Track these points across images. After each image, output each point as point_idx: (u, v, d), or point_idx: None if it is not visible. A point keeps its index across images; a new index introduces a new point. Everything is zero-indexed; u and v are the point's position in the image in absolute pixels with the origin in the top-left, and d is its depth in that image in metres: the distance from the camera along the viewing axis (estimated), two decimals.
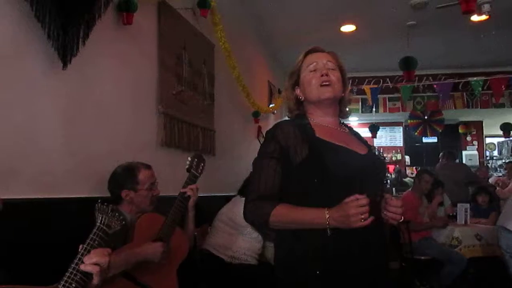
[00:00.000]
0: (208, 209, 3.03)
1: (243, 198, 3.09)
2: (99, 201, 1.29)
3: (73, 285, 1.13)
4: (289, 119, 1.60)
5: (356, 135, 1.63)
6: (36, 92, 1.89)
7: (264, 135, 1.54)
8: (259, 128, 5.28)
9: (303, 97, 1.56)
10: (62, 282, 1.13)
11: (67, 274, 1.15)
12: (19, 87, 1.80)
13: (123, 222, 1.29)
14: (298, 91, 1.58)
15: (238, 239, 2.94)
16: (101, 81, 2.33)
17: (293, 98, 1.59)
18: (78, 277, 1.15)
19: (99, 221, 1.25)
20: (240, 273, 2.86)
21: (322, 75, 1.49)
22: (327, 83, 1.48)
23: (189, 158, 2.27)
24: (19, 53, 1.80)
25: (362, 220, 1.22)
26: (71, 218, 1.90)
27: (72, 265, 1.17)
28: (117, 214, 1.28)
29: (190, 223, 2.36)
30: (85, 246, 1.19)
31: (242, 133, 4.81)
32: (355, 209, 1.23)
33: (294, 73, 1.59)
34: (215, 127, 3.74)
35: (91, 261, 1.18)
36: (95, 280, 1.19)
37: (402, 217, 1.39)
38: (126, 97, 2.55)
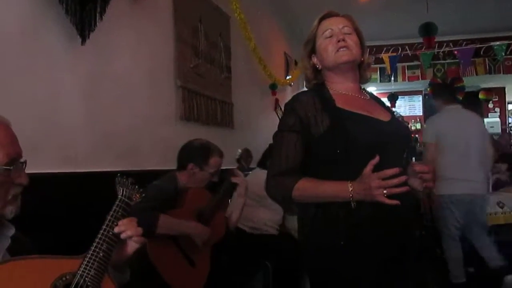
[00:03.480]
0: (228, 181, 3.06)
1: (263, 170, 3.12)
2: (118, 174, 1.31)
3: (101, 254, 1.16)
4: (307, 89, 1.55)
5: (378, 101, 1.58)
6: (56, 68, 1.91)
7: (283, 108, 1.52)
8: (277, 100, 5.25)
9: (320, 65, 1.51)
10: (90, 252, 1.16)
11: (94, 244, 1.18)
12: (39, 63, 1.82)
13: (143, 195, 1.31)
14: (315, 60, 1.52)
15: (259, 211, 2.98)
16: (119, 56, 2.33)
17: (310, 67, 1.54)
18: (105, 246, 1.18)
19: (120, 193, 1.27)
20: (262, 243, 2.91)
21: (338, 41, 1.43)
22: (344, 48, 1.43)
23: (240, 151, 2.44)
24: (38, 29, 1.82)
25: (385, 194, 1.20)
26: (93, 191, 1.94)
27: (99, 235, 1.20)
28: (136, 187, 1.30)
29: (236, 210, 2.42)
30: (109, 217, 1.23)
31: (260, 105, 4.80)
32: (377, 182, 1.21)
33: (310, 41, 1.53)
34: (232, 100, 3.74)
35: (126, 234, 1.22)
36: (130, 250, 1.23)
37: (430, 183, 1.37)
38: (144, 71, 2.56)
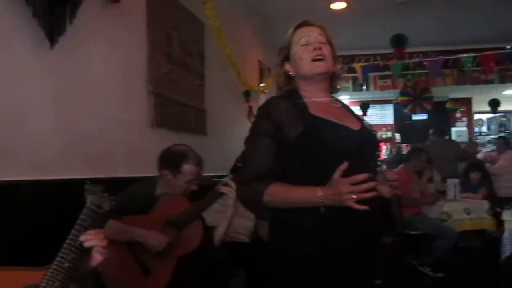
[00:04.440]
0: (201, 189, 3.03)
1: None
2: (87, 182, 1.28)
3: (66, 264, 1.13)
4: (281, 94, 1.54)
5: (349, 109, 1.59)
6: (24, 72, 1.86)
7: (257, 112, 1.50)
8: (250, 108, 5.26)
9: (294, 73, 1.51)
10: (55, 262, 1.13)
11: (60, 254, 1.15)
12: (5, 66, 1.77)
13: (113, 203, 1.29)
14: (287, 67, 1.52)
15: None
16: (89, 60, 2.29)
17: (282, 74, 1.54)
18: (71, 257, 1.15)
19: (88, 201, 1.25)
20: (233, 251, 2.89)
21: (315, 49, 1.44)
22: (320, 57, 1.44)
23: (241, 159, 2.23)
24: (4, 32, 1.76)
25: (354, 199, 1.21)
26: (62, 199, 1.89)
27: (65, 245, 1.17)
28: (106, 194, 1.28)
29: (224, 223, 2.27)
30: (76, 226, 1.19)
31: (233, 113, 4.80)
32: (347, 187, 1.22)
33: (284, 48, 1.53)
34: (206, 107, 3.72)
35: (89, 244, 1.18)
36: (95, 262, 1.20)
37: (398, 191, 1.40)
38: (116, 76, 2.52)
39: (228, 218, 2.30)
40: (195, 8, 3.50)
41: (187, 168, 2.16)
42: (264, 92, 5.80)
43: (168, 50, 3.08)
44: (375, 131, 1.63)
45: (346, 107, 1.59)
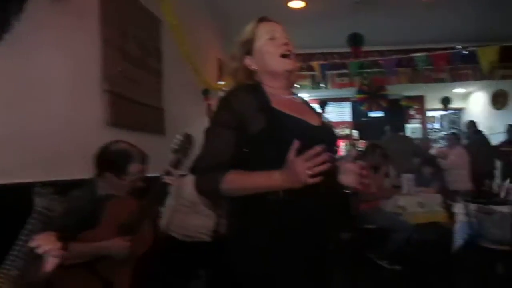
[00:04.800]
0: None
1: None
2: (37, 185, 1.23)
3: (15, 272, 1.07)
4: (243, 86, 1.49)
5: (309, 105, 1.60)
6: None
7: (218, 102, 1.45)
8: (209, 106, 5.22)
9: (257, 67, 1.49)
10: (3, 270, 1.07)
11: (7, 262, 1.09)
12: None
13: (65, 205, 1.24)
14: (249, 61, 1.49)
15: (192, 217, 2.93)
16: (38, 58, 2.19)
17: (242, 68, 1.51)
18: (20, 263, 1.09)
19: (38, 205, 1.19)
20: (194, 250, 2.86)
21: (283, 44, 1.44)
22: (288, 52, 1.45)
23: (179, 137, 2.05)
24: None
25: (309, 174, 1.20)
26: (13, 204, 1.80)
27: (13, 251, 1.11)
28: (57, 197, 1.22)
29: (168, 212, 2.24)
30: (25, 231, 1.14)
31: (193, 111, 4.74)
32: (302, 165, 1.21)
33: (248, 42, 1.49)
34: (164, 106, 3.66)
35: (42, 249, 1.13)
36: (48, 267, 1.15)
37: (365, 180, 1.41)
38: (67, 74, 2.42)
39: (171, 207, 2.26)
40: (151, 4, 3.43)
41: (133, 168, 2.05)
42: (224, 90, 5.78)
43: (124, 47, 3.00)
44: (334, 127, 1.65)
45: (306, 103, 1.60)
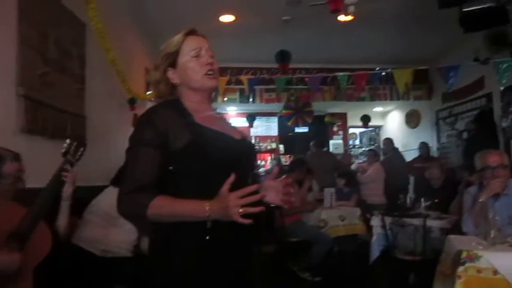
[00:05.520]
0: (78, 200, 2.82)
1: (117, 189, 2.94)
2: None
3: None
4: (163, 102, 1.47)
5: (227, 121, 1.63)
6: None
7: (138, 120, 1.42)
8: (135, 115, 5.06)
9: (179, 81, 1.47)
10: None
11: None
12: None
13: None
14: (172, 74, 1.47)
15: (111, 232, 2.79)
16: None
17: (165, 81, 1.48)
18: None
19: None
20: (114, 266, 2.73)
21: (208, 64, 1.45)
22: (212, 72, 1.46)
23: (68, 141, 2.09)
24: None
25: (241, 212, 1.20)
26: None
27: None
28: None
29: (63, 215, 2.16)
30: None
31: (117, 120, 4.57)
32: (235, 201, 1.21)
33: (172, 55, 1.47)
34: (86, 113, 3.49)
35: None
36: None
37: (287, 197, 1.43)
38: None
39: (67, 208, 2.19)
40: (76, 7, 3.27)
41: (7, 168, 1.93)
42: (151, 100, 5.64)
43: (44, 49, 2.83)
44: (251, 141, 1.68)
45: (224, 118, 1.62)
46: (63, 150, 2.09)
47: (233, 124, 1.64)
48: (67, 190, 2.13)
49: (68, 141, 2.10)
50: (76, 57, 3.34)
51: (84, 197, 2.98)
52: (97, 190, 3.06)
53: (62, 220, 2.17)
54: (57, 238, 2.08)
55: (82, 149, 2.17)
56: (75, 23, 3.36)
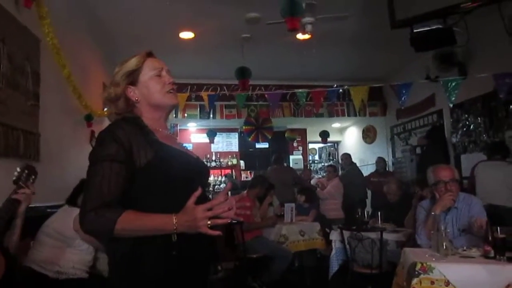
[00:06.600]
0: (31, 221, 2.71)
1: (72, 208, 2.87)
2: None
3: None
4: (125, 118, 1.47)
5: (180, 141, 1.73)
6: None
7: (100, 136, 1.41)
8: (92, 132, 4.95)
9: (139, 99, 1.51)
10: None
11: None
12: None
13: None
14: (132, 92, 1.50)
15: (66, 252, 2.70)
16: None
17: (124, 98, 1.51)
18: None
19: None
20: None
21: (170, 83, 1.52)
22: (173, 91, 1.54)
23: (18, 169, 2.11)
24: None
25: (209, 224, 1.24)
26: None
27: None
28: None
29: (15, 232, 2.11)
30: None
31: (73, 137, 4.45)
32: (203, 213, 1.24)
33: (133, 73, 1.51)
34: (40, 131, 3.39)
35: None
36: None
37: (242, 211, 1.50)
38: None
39: (19, 226, 2.17)
40: (29, 22, 3.19)
41: None
42: (108, 117, 5.54)
43: None
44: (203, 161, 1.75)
45: (176, 138, 1.72)
46: (14, 178, 2.11)
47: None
48: (20, 208, 2.11)
49: (18, 169, 2.13)
50: (30, 73, 3.25)
51: (37, 216, 2.88)
52: (51, 210, 2.97)
53: (14, 236, 2.13)
54: (10, 262, 1.99)
55: (33, 177, 2.19)
56: (29, 38, 3.28)
